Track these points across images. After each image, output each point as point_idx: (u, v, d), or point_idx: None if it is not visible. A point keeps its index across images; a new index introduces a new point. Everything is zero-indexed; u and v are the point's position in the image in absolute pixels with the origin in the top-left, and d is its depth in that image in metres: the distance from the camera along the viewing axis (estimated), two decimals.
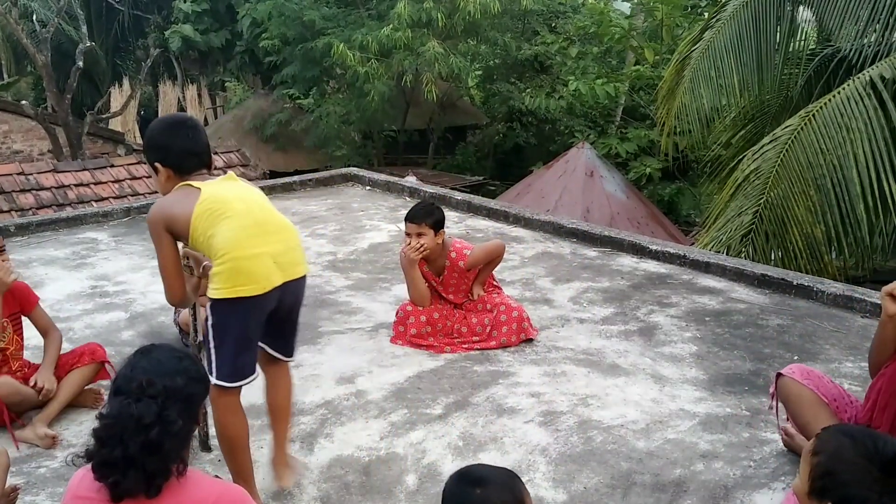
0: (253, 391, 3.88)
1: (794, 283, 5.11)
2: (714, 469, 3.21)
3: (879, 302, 4.48)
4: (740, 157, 7.71)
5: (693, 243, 8.93)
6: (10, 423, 3.55)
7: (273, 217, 2.92)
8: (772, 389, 3.28)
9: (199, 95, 23.03)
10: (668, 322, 4.71)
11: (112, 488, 1.93)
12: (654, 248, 5.89)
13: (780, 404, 3.22)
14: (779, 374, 3.20)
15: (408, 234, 4.32)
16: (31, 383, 3.66)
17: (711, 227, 7.51)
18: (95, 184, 10.64)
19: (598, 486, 3.14)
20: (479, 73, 18.85)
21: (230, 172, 3.00)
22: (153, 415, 1.92)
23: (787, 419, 3.24)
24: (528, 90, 16.59)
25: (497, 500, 1.92)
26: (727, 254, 6.54)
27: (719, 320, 4.72)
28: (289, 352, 3.14)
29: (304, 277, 2.98)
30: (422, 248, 4.29)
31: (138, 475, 1.91)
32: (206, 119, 22.70)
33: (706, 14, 13.88)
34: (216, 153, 12.51)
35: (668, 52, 14.43)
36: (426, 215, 4.32)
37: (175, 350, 2.14)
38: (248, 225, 2.79)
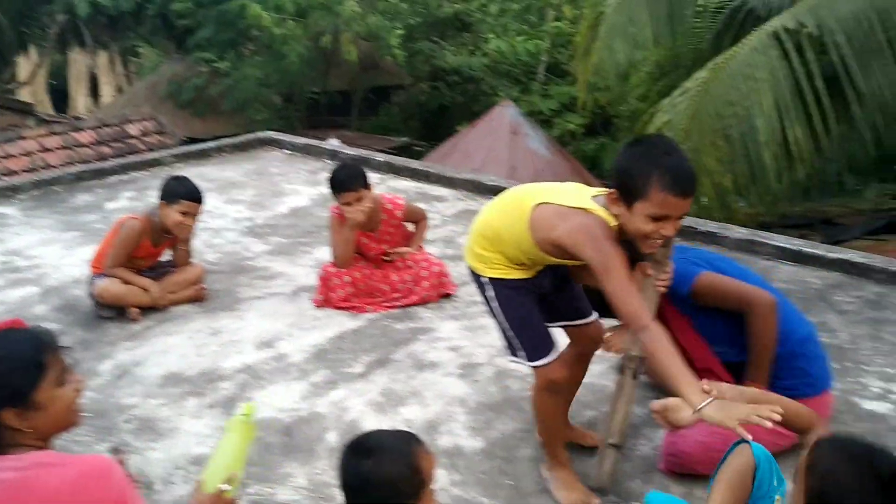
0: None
1: (700, 229, 5.31)
2: None
3: (781, 245, 4.72)
4: (655, 109, 7.89)
5: None
6: None
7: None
8: None
9: (112, 62, 22.16)
10: None
11: None
12: None
13: None
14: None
15: (346, 204, 4.25)
16: None
17: None
18: (5, 157, 10.21)
19: (514, 431, 3.25)
20: (401, 31, 18.68)
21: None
22: None
23: None
24: (450, 48, 16.52)
25: (387, 471, 1.88)
26: None
27: None
28: None
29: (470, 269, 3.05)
30: (367, 210, 4.29)
31: None
32: (120, 87, 21.86)
33: None
34: (129, 121, 12.10)
35: (589, 8, 14.55)
36: (359, 178, 4.27)
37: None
38: None
